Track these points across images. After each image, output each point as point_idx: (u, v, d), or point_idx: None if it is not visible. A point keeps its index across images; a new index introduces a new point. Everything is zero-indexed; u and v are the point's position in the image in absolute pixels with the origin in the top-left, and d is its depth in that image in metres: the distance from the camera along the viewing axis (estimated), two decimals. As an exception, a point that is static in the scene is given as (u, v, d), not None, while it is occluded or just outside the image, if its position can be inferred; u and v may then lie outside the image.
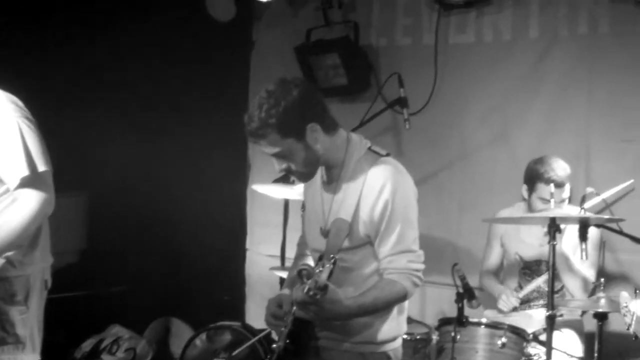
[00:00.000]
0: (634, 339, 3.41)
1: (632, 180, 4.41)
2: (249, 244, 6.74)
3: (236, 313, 6.40)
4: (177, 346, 5.83)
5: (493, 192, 5.59)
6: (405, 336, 4.66)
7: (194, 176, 6.37)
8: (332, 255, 3.02)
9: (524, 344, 4.25)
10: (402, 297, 3.32)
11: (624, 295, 3.51)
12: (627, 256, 5.09)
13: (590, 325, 4.60)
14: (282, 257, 5.73)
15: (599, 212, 4.85)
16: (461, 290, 4.11)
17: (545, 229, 4.19)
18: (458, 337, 4.15)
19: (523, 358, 4.21)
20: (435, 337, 4.39)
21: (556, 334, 4.08)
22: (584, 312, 4.87)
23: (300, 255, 3.74)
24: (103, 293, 6.22)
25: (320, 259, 3.24)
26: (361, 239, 3.30)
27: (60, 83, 5.89)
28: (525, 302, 4.96)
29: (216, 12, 6.22)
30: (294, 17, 6.45)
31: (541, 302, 4.91)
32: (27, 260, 3.67)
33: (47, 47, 5.80)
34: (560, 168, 4.80)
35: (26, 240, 3.61)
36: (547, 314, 3.96)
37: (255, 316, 6.19)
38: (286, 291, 3.51)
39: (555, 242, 4.00)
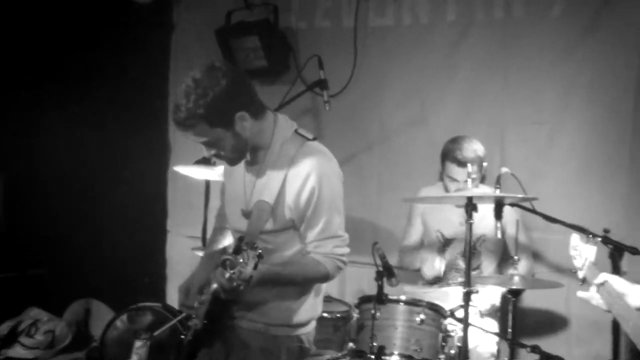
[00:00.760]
0: (581, 283, 3.43)
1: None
2: (170, 225, 6.72)
3: (157, 294, 6.37)
4: (98, 328, 5.79)
5: (411, 173, 5.68)
6: (325, 314, 4.75)
7: (114, 159, 6.32)
8: (256, 246, 3.01)
9: (442, 320, 4.27)
10: (323, 278, 3.38)
11: (575, 237, 3.52)
12: (539, 234, 5.21)
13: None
14: (203, 238, 5.74)
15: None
16: (381, 269, 4.13)
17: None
18: (378, 314, 4.15)
19: (441, 334, 4.23)
20: (355, 314, 4.39)
21: (473, 311, 4.17)
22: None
23: (219, 228, 3.76)
24: (21, 276, 6.14)
25: (240, 240, 3.25)
26: (285, 223, 3.35)
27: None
28: (444, 280, 5.08)
29: (136, -5, 6.17)
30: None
31: (459, 279, 5.02)
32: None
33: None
34: (469, 149, 4.90)
35: None
36: (464, 290, 4.05)
37: (177, 297, 6.18)
38: (200, 272, 3.56)
39: (472, 221, 4.09)
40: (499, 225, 4.18)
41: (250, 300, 3.37)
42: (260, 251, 2.97)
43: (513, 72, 5.45)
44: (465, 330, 4.04)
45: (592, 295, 3.33)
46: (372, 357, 4.05)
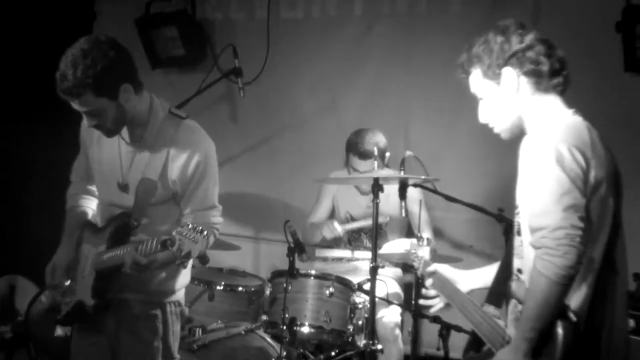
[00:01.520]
0: (420, 281, 3.55)
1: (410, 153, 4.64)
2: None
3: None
4: (23, 303, 5.73)
5: (321, 157, 5.92)
6: (240, 288, 4.98)
7: (35, 135, 6.19)
8: (169, 239, 3.03)
9: (350, 293, 4.49)
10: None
11: (413, 243, 3.65)
12: (441, 213, 5.50)
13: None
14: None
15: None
16: (292, 245, 4.31)
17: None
18: (290, 288, 4.35)
19: (349, 306, 4.46)
20: (268, 288, 4.60)
21: (379, 284, 4.32)
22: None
23: (75, 195, 3.84)
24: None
25: (126, 216, 3.40)
26: (166, 196, 3.48)
27: None
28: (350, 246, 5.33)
29: (58, -17, 6.16)
30: (134, -10, 6.50)
31: (363, 249, 5.26)
32: None
33: None
34: (370, 142, 5.03)
35: None
36: (371, 265, 4.17)
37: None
38: (63, 251, 3.67)
39: (378, 201, 4.26)
40: (403, 204, 4.31)
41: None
42: (178, 244, 2.98)
43: (416, 63, 5.73)
44: (372, 302, 4.20)
45: (432, 301, 3.49)
46: (284, 327, 4.27)
